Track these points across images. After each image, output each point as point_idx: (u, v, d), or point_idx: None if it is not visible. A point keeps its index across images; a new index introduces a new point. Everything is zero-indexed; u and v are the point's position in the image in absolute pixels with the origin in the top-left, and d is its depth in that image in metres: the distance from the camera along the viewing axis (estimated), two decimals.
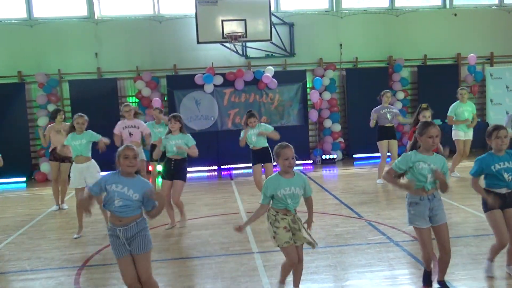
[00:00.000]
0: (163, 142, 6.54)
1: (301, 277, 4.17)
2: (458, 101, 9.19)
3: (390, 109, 9.11)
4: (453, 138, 9.24)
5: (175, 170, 6.56)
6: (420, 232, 3.98)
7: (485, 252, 4.89)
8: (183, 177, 6.64)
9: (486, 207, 4.27)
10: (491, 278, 4.40)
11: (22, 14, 12.13)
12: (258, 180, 7.51)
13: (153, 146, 7.89)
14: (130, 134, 8.05)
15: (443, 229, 3.98)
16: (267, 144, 7.51)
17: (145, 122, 8.54)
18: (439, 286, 4.22)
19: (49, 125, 8.53)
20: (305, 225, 4.13)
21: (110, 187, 3.74)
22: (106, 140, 6.83)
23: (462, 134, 9.11)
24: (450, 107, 9.23)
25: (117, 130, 8.07)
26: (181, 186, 6.61)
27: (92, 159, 6.65)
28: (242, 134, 7.57)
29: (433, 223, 3.98)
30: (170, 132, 6.55)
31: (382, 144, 8.98)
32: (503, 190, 4.18)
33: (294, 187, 3.92)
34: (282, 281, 4.19)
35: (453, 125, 9.23)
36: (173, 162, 6.55)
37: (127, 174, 3.80)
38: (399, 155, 4.19)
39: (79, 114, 6.68)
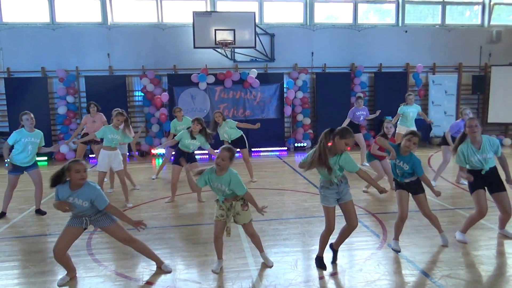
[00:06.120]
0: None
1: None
2: (405, 103, 8.84)
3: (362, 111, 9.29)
4: (397, 131, 9.07)
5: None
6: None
7: (425, 224, 4.95)
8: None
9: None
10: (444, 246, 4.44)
11: (46, 19, 11.75)
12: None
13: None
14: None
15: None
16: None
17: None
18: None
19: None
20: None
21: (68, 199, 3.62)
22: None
23: (405, 129, 8.78)
24: (399, 108, 8.88)
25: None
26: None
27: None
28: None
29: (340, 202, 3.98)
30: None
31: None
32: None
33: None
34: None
35: (398, 122, 8.86)
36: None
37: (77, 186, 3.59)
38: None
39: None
